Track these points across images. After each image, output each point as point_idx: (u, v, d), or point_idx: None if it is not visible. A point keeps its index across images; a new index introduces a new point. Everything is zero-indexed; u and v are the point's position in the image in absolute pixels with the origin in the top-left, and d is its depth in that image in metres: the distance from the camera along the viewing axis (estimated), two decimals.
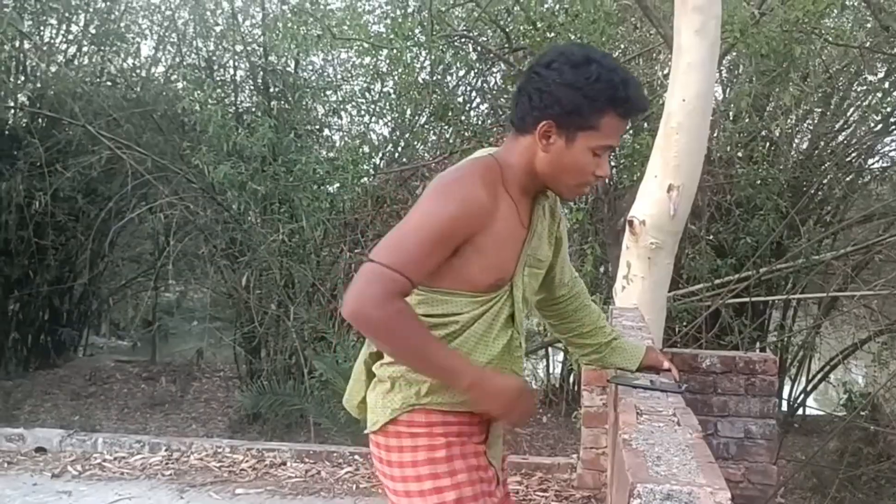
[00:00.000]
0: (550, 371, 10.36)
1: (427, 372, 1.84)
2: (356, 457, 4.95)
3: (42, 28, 9.96)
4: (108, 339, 12.74)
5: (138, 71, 10.47)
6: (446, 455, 1.88)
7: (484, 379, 1.83)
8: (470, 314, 1.88)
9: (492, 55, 7.98)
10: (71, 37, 10.28)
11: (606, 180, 1.62)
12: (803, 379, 9.62)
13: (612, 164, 8.69)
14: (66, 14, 9.82)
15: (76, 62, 10.17)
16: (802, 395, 9.62)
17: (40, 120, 9.46)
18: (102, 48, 9.85)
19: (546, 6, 7.63)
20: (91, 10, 9.94)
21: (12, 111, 9.66)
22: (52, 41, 10.20)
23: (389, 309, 1.72)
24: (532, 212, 1.98)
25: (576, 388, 8.77)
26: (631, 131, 8.41)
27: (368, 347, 2.02)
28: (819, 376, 9.49)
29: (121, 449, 5.17)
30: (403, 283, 1.73)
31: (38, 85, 9.55)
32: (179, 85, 9.56)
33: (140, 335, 11.77)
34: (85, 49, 10.29)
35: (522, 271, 1.96)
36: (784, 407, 9.42)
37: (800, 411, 9.70)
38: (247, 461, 5.00)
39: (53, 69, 9.52)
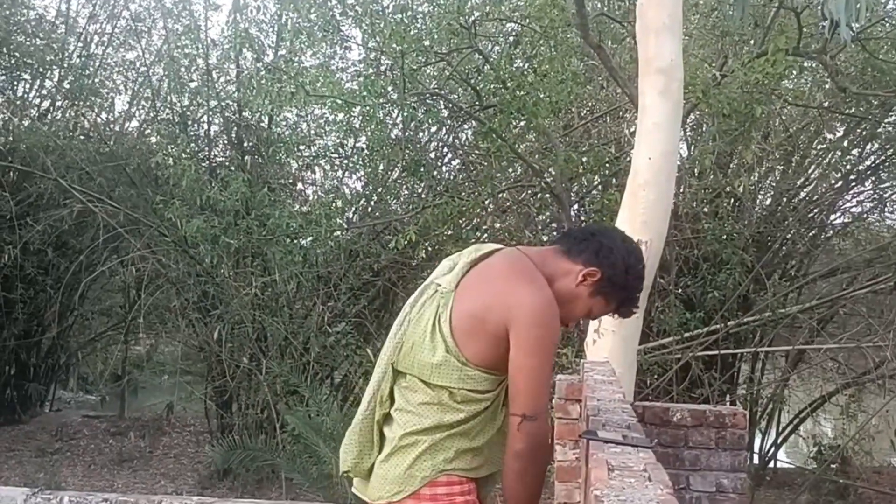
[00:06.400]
0: None
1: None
2: None
3: (15, 83, 10.00)
4: (75, 393, 12.50)
5: (112, 125, 10.51)
6: None
7: None
8: (494, 393, 2.06)
9: (463, 112, 8.13)
10: (45, 91, 10.33)
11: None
12: (773, 431, 9.66)
13: (583, 219, 8.84)
14: (40, 69, 9.87)
15: (49, 116, 10.19)
16: (773, 448, 9.64)
17: (11, 173, 9.42)
18: (76, 103, 9.88)
19: (515, 66, 7.81)
20: (65, 65, 10.00)
21: None
22: (26, 96, 10.24)
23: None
24: None
25: (550, 442, 8.74)
26: (600, 187, 8.58)
27: (381, 408, 2.09)
28: (789, 429, 9.54)
29: None
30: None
31: (10, 138, 9.54)
32: (153, 139, 9.62)
33: (109, 389, 11.59)
34: (58, 103, 10.33)
35: None
36: (755, 460, 9.44)
37: (771, 464, 9.72)
38: None
39: (26, 123, 9.53)
